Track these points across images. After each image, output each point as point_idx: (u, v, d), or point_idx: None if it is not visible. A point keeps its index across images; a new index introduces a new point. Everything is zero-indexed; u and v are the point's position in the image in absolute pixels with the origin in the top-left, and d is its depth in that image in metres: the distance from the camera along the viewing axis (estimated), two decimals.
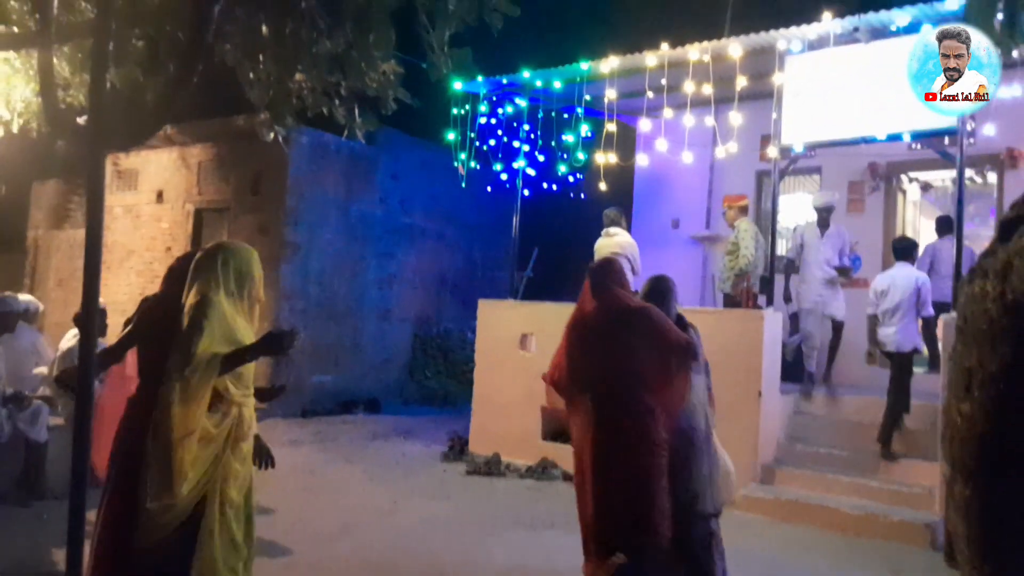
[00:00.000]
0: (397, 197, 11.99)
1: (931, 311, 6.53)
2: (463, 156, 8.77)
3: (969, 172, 8.24)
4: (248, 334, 3.10)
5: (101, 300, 4.23)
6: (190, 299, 2.97)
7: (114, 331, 10.07)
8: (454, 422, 9.46)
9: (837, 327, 7.57)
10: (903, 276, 6.61)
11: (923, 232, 10.53)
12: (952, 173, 9.20)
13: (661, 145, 7.56)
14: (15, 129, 7.27)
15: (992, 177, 8.49)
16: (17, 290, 9.01)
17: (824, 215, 7.67)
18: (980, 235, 8.92)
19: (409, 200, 12.14)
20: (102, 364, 3.38)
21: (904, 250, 6.81)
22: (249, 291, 3.15)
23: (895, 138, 6.36)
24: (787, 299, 7.82)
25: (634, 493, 3.41)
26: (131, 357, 3.37)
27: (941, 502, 5.58)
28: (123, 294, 11.80)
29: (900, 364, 6.54)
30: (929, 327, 6.53)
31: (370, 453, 8.33)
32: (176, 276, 3.23)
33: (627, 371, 3.54)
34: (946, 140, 6.88)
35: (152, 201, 11.88)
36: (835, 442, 6.94)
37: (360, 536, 5.32)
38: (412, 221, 12.20)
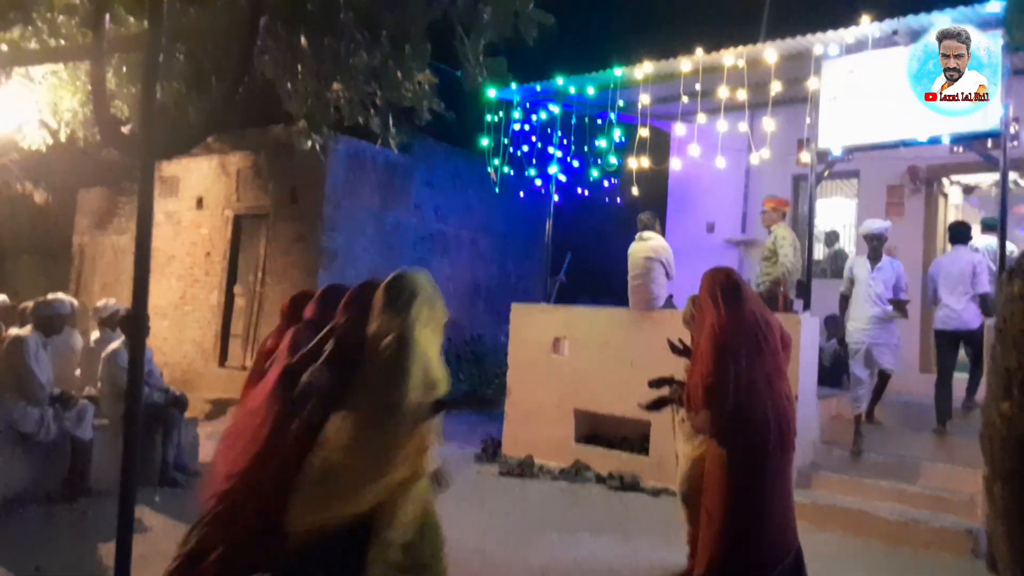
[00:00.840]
0: (431, 205, 12.12)
1: (987, 288, 6.54)
2: (496, 162, 8.84)
3: (1013, 175, 8.08)
4: (438, 365, 3.09)
5: None
6: (387, 339, 2.93)
7: (155, 334, 10.28)
8: (487, 425, 9.50)
9: (884, 376, 6.92)
10: (960, 257, 6.78)
11: None
12: (995, 176, 9.08)
13: (694, 150, 7.54)
14: (63, 138, 7.51)
15: None
16: None
17: (875, 244, 6.93)
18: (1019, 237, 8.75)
19: (443, 208, 12.26)
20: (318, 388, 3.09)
21: (960, 234, 6.93)
22: (437, 318, 3.13)
23: (935, 141, 6.27)
24: (841, 341, 7.35)
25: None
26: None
27: (983, 508, 5.47)
28: (164, 299, 12.08)
29: (971, 342, 6.65)
30: (986, 303, 6.50)
31: None
32: (356, 305, 3.17)
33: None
34: (988, 143, 6.78)
35: (192, 208, 12.15)
36: (874, 447, 6.84)
37: None
38: (446, 229, 12.31)
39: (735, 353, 3.75)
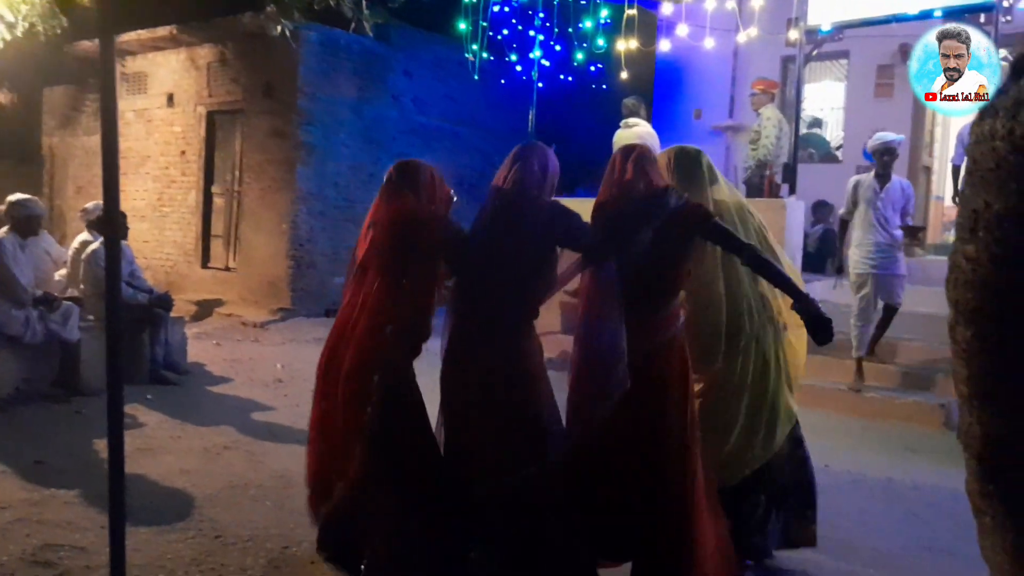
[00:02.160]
0: (411, 96, 11.74)
1: None
2: (475, 48, 8.52)
3: (1003, 51, 7.88)
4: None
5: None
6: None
7: (135, 236, 10.16)
8: None
9: (891, 311, 6.32)
10: None
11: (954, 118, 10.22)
12: None
13: (682, 31, 7.29)
14: (19, 32, 7.14)
15: None
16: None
17: (886, 160, 6.13)
18: None
19: (423, 100, 11.89)
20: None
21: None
22: None
23: (927, 15, 6.08)
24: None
25: None
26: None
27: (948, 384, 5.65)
28: (141, 200, 11.86)
29: None
30: None
31: None
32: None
33: None
34: (982, 18, 6.58)
35: (163, 105, 11.74)
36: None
37: None
38: (427, 121, 11.98)
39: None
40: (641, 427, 2.76)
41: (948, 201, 9.90)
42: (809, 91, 8.89)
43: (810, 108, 9.39)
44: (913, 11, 6.01)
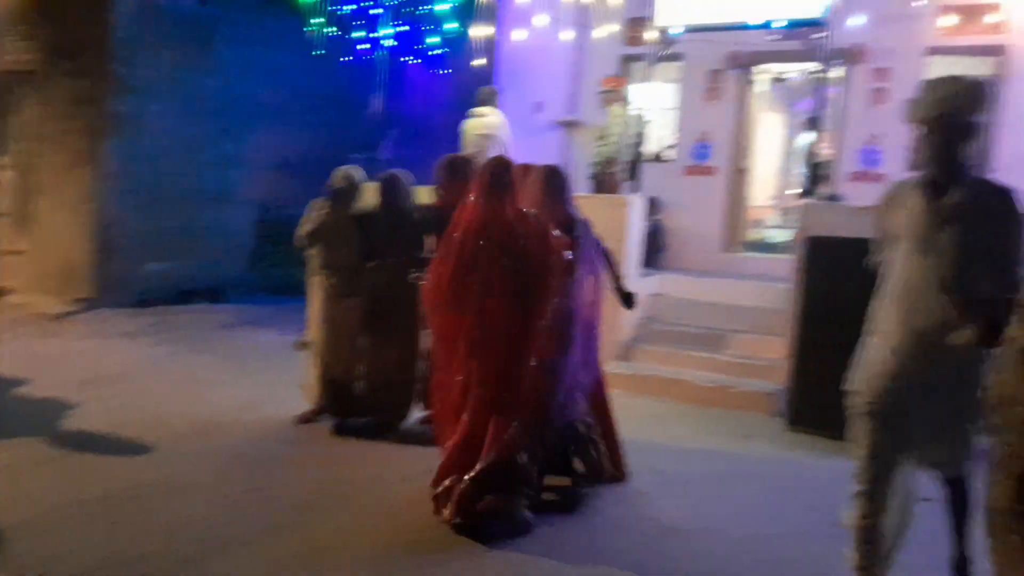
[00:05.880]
0: (237, 68, 10.85)
1: None
2: (317, 21, 8.02)
3: (819, 65, 8.59)
4: None
5: None
6: None
7: None
8: (305, 311, 9.08)
9: None
10: None
11: (767, 124, 11.07)
12: (802, 66, 9.60)
13: (525, 26, 7.26)
14: None
15: (839, 71, 8.90)
16: None
17: None
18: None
19: (251, 71, 11.02)
20: None
21: None
22: None
23: (767, 26, 6.47)
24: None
25: None
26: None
27: (784, 373, 6.08)
28: None
29: None
30: None
31: (220, 345, 7.87)
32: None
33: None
34: (813, 32, 7.08)
35: None
36: (689, 321, 7.33)
37: (228, 431, 4.99)
38: (255, 95, 11.14)
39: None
40: None
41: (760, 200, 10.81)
42: (645, 91, 9.21)
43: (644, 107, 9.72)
44: (755, 22, 6.37)
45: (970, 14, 7.75)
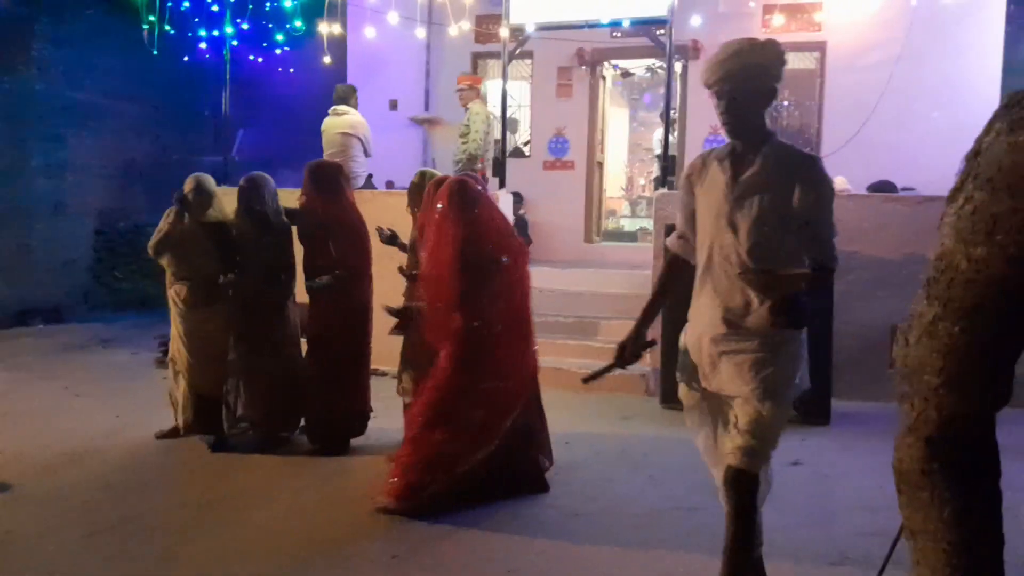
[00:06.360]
0: (61, 68, 10.01)
1: None
2: (152, 19, 7.56)
3: (660, 61, 9.08)
4: None
5: None
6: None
7: None
8: (159, 326, 8.54)
9: None
10: None
11: (614, 119, 11.56)
12: (645, 62, 10.11)
13: (375, 23, 7.21)
14: None
15: (678, 67, 9.46)
16: None
17: None
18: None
19: (78, 72, 10.20)
20: None
21: None
22: None
23: (616, 24, 6.76)
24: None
25: None
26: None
27: (654, 355, 6.40)
28: None
29: None
30: None
31: (69, 368, 7.27)
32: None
33: None
34: (657, 30, 7.47)
35: None
36: (559, 311, 7.54)
37: (92, 462, 4.62)
38: (84, 97, 10.33)
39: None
40: None
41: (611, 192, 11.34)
42: (493, 87, 9.37)
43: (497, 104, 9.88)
44: (604, 20, 6.65)
45: (795, 12, 8.49)
